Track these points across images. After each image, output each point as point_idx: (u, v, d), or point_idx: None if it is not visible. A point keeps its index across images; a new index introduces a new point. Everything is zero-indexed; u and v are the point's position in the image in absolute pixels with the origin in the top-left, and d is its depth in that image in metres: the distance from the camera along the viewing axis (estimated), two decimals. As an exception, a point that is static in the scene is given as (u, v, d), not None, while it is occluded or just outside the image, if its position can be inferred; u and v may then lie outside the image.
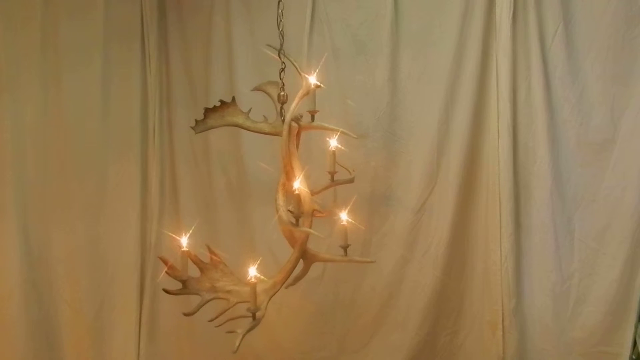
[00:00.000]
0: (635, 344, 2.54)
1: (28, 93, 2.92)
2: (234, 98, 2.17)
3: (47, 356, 2.99)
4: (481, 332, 2.77)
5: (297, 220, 2.09)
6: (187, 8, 3.08)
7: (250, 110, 2.22)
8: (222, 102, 2.19)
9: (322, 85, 2.19)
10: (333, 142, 2.27)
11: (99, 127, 3.03)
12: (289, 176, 2.15)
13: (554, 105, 2.61)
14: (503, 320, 2.67)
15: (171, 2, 3.10)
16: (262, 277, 2.12)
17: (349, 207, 2.24)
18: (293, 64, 2.18)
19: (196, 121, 2.20)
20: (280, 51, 2.17)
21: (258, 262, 2.10)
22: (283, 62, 2.17)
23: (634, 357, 2.54)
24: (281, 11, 2.21)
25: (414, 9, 2.77)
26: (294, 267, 2.15)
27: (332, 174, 2.29)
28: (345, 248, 2.21)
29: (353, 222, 2.23)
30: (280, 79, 2.17)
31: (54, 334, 3.01)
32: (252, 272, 2.06)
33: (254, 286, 2.04)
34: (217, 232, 3.07)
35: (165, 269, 2.10)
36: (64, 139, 2.99)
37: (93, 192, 3.04)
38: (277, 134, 2.19)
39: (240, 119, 2.20)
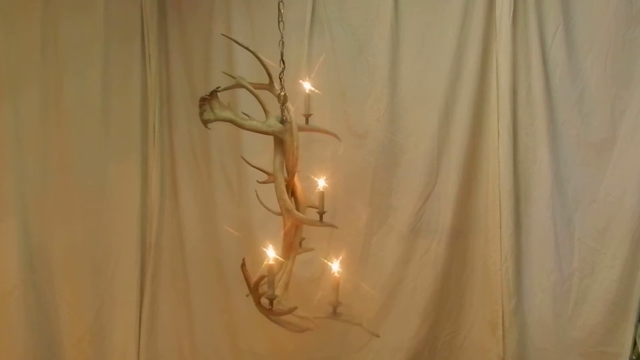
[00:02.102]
0: (635, 344, 2.54)
1: (28, 93, 2.92)
2: (213, 91, 2.11)
3: (47, 356, 2.99)
4: (481, 332, 2.77)
5: (320, 217, 2.14)
6: (187, 8, 3.08)
7: (229, 103, 2.18)
8: (213, 92, 2.13)
9: (316, 90, 2.20)
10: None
11: (99, 127, 3.03)
12: (293, 175, 2.17)
13: (554, 105, 2.61)
14: (503, 320, 2.68)
15: (171, 1, 3.10)
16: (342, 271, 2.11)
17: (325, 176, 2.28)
18: (263, 63, 2.15)
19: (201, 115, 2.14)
20: (282, 52, 2.18)
21: (340, 257, 2.13)
22: (283, 62, 2.17)
23: (634, 357, 2.54)
24: (281, 11, 2.21)
25: (414, 8, 2.77)
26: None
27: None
28: (321, 214, 2.21)
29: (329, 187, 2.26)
30: (280, 80, 2.17)
31: (54, 334, 3.01)
32: (335, 267, 2.06)
33: (337, 281, 2.01)
34: (217, 231, 3.07)
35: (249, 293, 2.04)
36: (64, 139, 2.99)
37: (93, 192, 3.03)
38: (275, 133, 2.18)
39: (228, 114, 2.13)
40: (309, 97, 2.24)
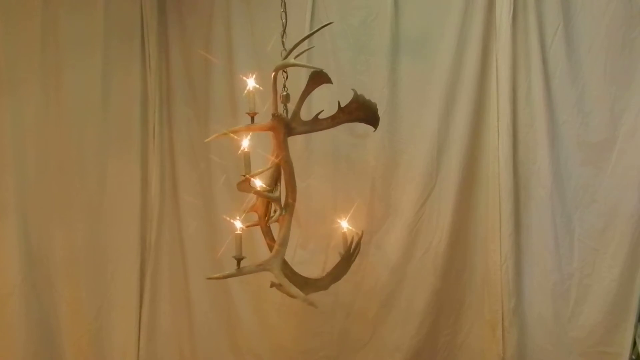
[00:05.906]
0: (635, 344, 2.54)
1: (28, 91, 2.93)
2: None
3: (47, 356, 2.99)
4: (481, 332, 2.77)
5: None
6: (187, 8, 3.08)
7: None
8: None
9: (260, 88, 2.17)
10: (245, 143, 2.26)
11: (99, 126, 3.03)
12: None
13: (554, 105, 2.61)
14: (503, 320, 2.67)
15: (171, 1, 3.10)
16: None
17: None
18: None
19: None
20: (283, 50, 2.19)
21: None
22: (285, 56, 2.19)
23: (633, 357, 2.55)
24: (284, 12, 2.21)
25: (414, 8, 2.77)
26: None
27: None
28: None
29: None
30: (284, 78, 2.18)
31: (54, 334, 3.01)
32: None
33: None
34: (218, 231, 3.07)
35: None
36: (64, 138, 2.99)
37: (93, 191, 3.04)
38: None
39: None
40: (254, 95, 2.19)
